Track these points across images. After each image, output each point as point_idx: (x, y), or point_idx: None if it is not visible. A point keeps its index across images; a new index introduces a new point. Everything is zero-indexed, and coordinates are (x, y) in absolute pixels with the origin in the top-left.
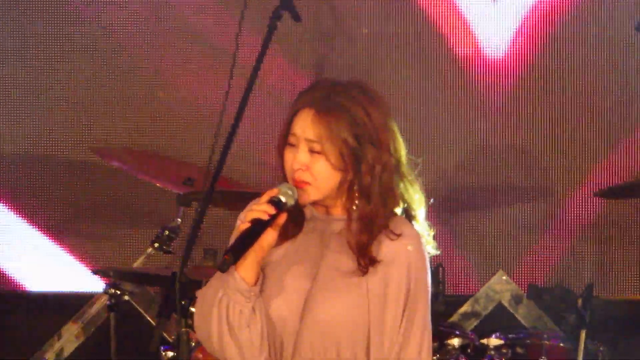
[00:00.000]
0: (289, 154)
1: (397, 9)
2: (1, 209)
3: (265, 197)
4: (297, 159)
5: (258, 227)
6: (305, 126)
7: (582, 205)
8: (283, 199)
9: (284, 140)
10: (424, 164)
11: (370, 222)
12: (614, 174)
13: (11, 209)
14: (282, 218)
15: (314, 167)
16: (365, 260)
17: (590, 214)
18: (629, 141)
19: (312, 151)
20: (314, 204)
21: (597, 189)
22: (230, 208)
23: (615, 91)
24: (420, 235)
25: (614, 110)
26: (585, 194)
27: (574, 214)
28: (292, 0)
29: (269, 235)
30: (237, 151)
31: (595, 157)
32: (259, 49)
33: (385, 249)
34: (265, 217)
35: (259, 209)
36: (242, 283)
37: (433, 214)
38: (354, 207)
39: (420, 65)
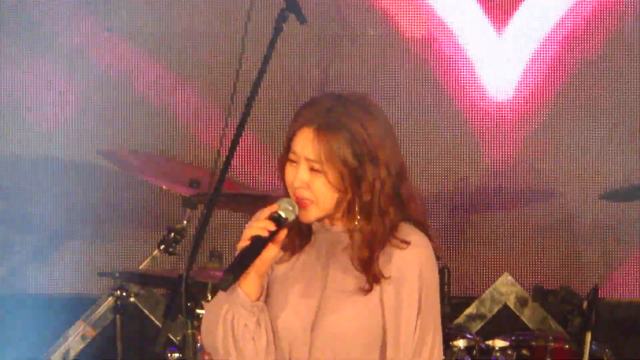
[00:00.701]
0: (289, 170)
1: (403, 11)
2: (8, 210)
3: (266, 213)
4: (298, 177)
5: (258, 244)
6: (305, 145)
7: (587, 207)
8: (283, 215)
9: (285, 156)
10: (429, 167)
11: (371, 238)
12: (619, 176)
13: (18, 210)
14: (283, 234)
15: (314, 185)
16: (369, 275)
17: (596, 216)
18: (635, 143)
19: (312, 169)
20: None
21: (602, 191)
22: (236, 210)
23: (621, 93)
24: (428, 241)
25: (619, 112)
26: (590, 196)
27: (579, 216)
28: (298, 2)
29: (271, 250)
30: (243, 153)
31: (601, 159)
32: (265, 50)
33: (396, 259)
34: (265, 234)
35: (259, 225)
36: (246, 298)
37: (438, 217)
38: (355, 224)
39: (423, 67)
